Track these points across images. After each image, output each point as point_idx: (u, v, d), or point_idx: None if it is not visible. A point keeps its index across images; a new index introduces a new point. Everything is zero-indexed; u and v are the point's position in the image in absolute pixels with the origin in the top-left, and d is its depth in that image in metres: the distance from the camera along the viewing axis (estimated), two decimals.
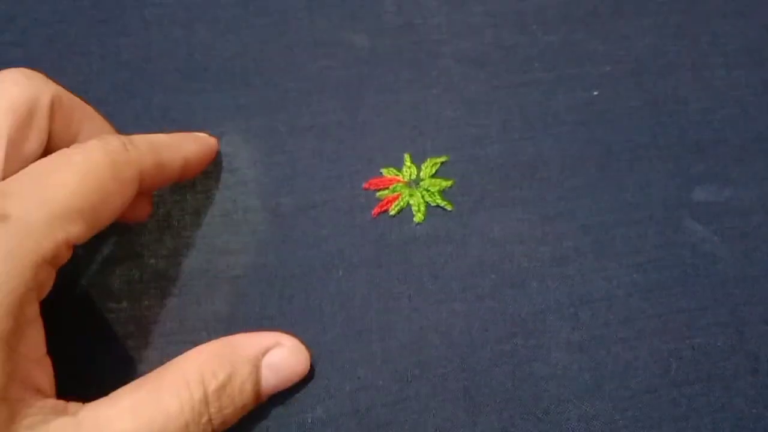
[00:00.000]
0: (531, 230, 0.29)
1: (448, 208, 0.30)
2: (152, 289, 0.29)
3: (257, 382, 0.25)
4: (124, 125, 0.31)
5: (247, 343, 0.26)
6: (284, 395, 0.27)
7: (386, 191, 0.30)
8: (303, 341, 0.27)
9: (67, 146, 0.25)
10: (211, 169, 0.31)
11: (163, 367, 0.24)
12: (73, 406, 0.23)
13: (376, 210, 0.29)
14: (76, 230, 0.23)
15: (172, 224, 0.30)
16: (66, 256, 0.23)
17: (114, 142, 0.25)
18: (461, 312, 0.28)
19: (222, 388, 0.24)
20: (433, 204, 0.30)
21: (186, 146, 0.28)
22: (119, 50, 0.33)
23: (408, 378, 0.27)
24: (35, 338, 0.23)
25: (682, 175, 0.30)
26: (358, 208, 0.30)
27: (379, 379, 0.27)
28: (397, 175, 0.30)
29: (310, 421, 0.27)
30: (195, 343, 0.25)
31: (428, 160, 0.30)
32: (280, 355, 0.26)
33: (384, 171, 0.30)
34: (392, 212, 0.29)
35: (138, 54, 0.33)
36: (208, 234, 0.30)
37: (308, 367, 0.27)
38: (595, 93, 0.32)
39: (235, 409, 0.24)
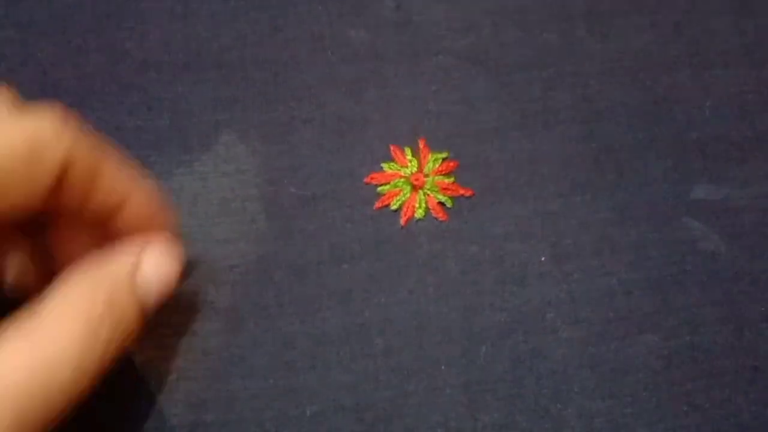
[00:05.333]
0: (530, 227, 0.29)
1: (449, 204, 0.29)
2: None
3: (138, 302, 0.23)
4: (121, 117, 0.31)
5: (119, 267, 0.24)
6: (283, 388, 0.27)
7: (387, 186, 0.30)
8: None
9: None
10: (207, 157, 0.30)
11: (40, 308, 0.22)
12: None
13: (377, 204, 0.29)
14: None
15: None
16: None
17: (58, 110, 0.22)
18: (461, 307, 0.28)
19: (106, 318, 0.22)
20: (434, 200, 0.29)
21: (134, 186, 0.24)
22: (117, 43, 0.33)
23: (408, 372, 0.27)
24: None
25: (681, 173, 0.31)
26: (359, 202, 0.30)
27: (380, 372, 0.27)
28: (398, 170, 0.30)
29: (309, 414, 0.27)
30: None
31: (430, 155, 0.30)
32: (152, 266, 0.24)
33: (385, 166, 0.30)
34: (393, 207, 0.29)
35: (136, 46, 0.33)
36: (205, 222, 0.29)
37: (182, 263, 0.25)
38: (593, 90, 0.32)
39: (124, 333, 0.23)
